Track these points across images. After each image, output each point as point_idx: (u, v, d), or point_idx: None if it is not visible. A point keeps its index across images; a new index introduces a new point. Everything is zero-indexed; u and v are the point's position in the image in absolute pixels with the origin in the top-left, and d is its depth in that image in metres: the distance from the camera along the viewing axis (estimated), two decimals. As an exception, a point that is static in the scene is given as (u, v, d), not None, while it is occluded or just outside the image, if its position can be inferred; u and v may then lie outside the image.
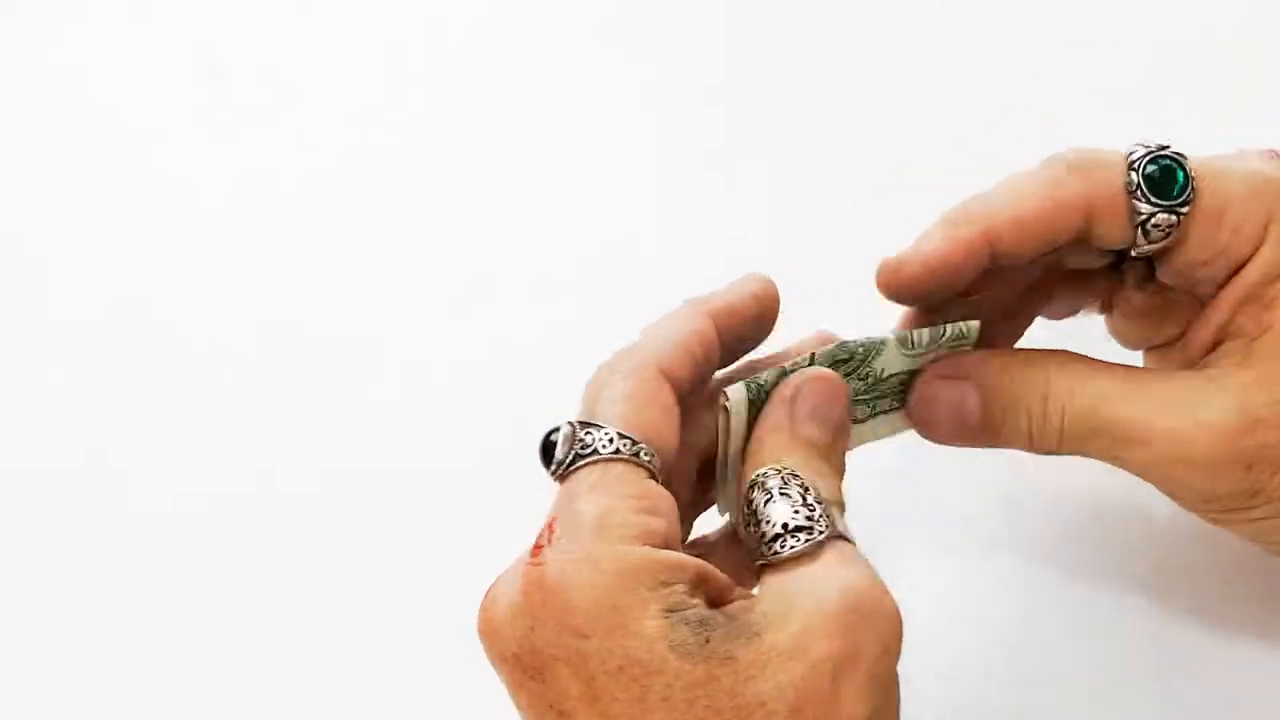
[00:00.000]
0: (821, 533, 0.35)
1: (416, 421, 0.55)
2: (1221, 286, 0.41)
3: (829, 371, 0.40)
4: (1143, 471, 0.40)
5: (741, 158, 0.61)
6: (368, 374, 0.57)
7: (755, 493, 0.37)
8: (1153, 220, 0.39)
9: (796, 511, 0.36)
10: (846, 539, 0.36)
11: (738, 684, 0.33)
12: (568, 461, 0.36)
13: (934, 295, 0.41)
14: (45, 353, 0.59)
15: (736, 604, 0.35)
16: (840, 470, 0.39)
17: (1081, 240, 0.40)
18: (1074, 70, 0.60)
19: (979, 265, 0.40)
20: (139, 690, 0.51)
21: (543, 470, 0.37)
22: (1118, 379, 0.40)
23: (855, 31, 0.63)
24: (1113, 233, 0.40)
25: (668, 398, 0.38)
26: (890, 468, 0.50)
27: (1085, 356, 0.41)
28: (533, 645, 0.35)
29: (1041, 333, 0.45)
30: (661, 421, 0.37)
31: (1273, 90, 0.59)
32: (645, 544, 0.35)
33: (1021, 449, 0.41)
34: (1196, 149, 0.41)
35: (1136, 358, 0.45)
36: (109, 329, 0.59)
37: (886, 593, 0.35)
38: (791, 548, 0.35)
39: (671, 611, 0.34)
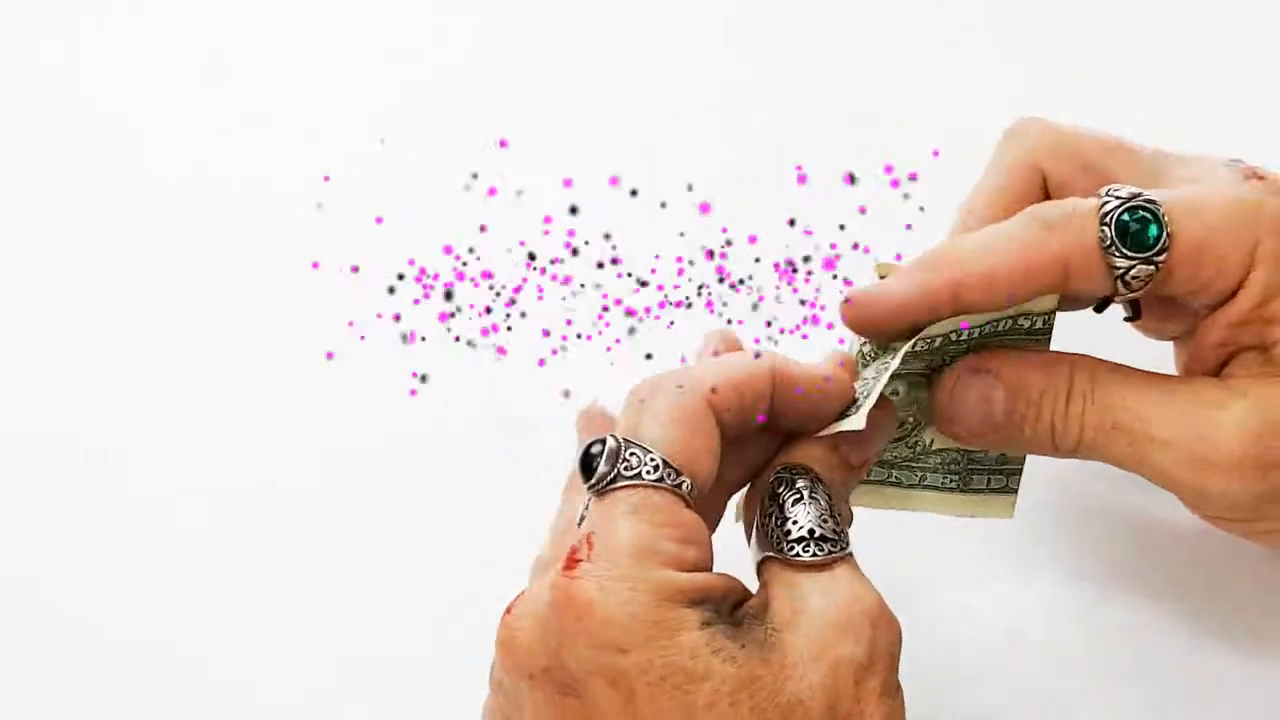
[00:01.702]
0: (844, 547, 0.36)
1: (418, 421, 0.55)
2: (1215, 309, 0.40)
3: (883, 399, 0.39)
4: (1161, 475, 0.40)
5: (742, 159, 0.61)
6: (369, 373, 0.57)
7: (782, 487, 0.37)
8: (1131, 273, 0.39)
9: (825, 520, 0.36)
10: (853, 554, 0.37)
11: (778, 683, 0.34)
12: (610, 478, 0.36)
13: (895, 335, 0.41)
14: (45, 351, 0.59)
15: (750, 605, 0.36)
16: (849, 493, 0.40)
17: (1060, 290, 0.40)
18: (1069, 73, 0.61)
19: (942, 312, 0.40)
20: (139, 690, 0.51)
21: (582, 480, 0.37)
22: (1139, 381, 0.40)
23: (855, 40, 0.63)
24: (1092, 285, 0.40)
25: (712, 429, 0.38)
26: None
27: (1106, 360, 0.41)
28: (563, 661, 0.34)
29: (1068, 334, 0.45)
30: (704, 452, 0.37)
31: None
32: (679, 570, 0.35)
33: (1043, 450, 0.41)
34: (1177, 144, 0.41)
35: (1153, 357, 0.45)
36: (108, 327, 0.59)
37: (889, 609, 0.36)
38: (814, 555, 0.36)
39: (708, 624, 0.35)
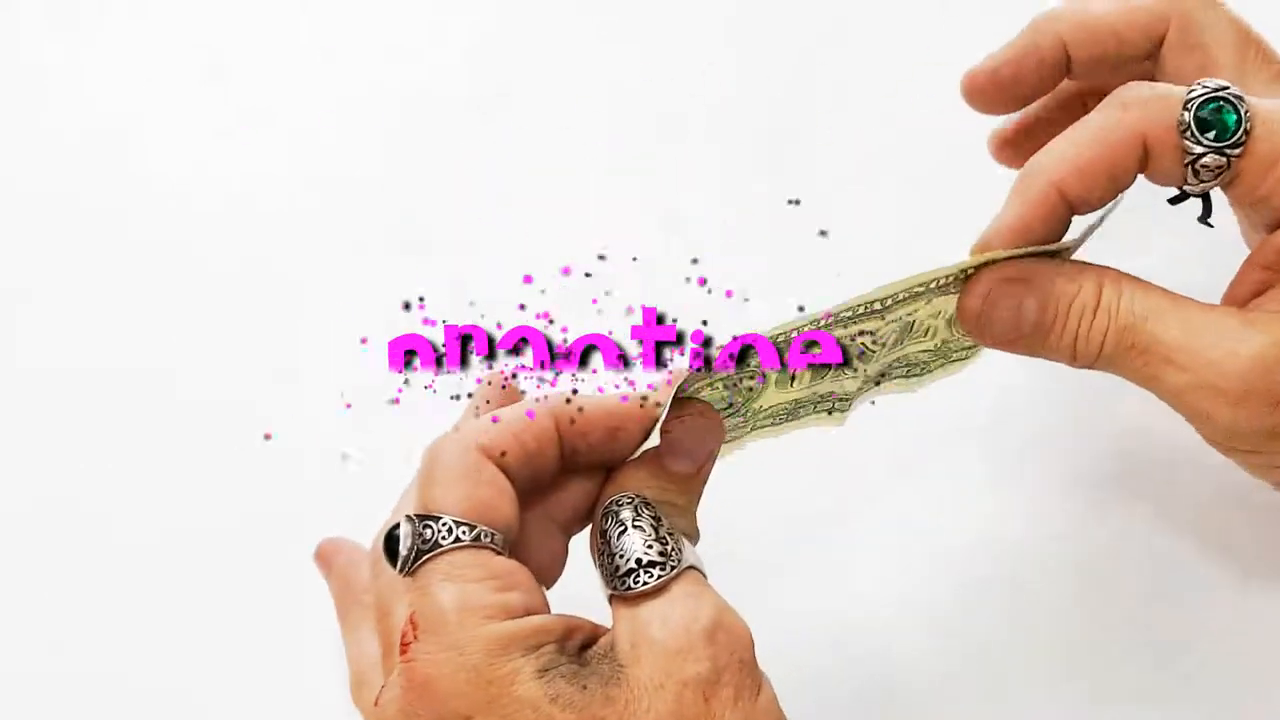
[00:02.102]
0: (674, 567, 0.37)
1: (418, 422, 0.55)
2: (1273, 229, 0.40)
3: (707, 406, 0.40)
4: (1174, 396, 0.40)
5: (741, 160, 0.61)
6: (368, 373, 0.57)
7: (608, 522, 0.38)
8: (1201, 161, 0.39)
9: (650, 546, 0.37)
10: (696, 568, 0.38)
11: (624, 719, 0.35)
12: (412, 559, 0.37)
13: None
14: (44, 352, 0.59)
15: (600, 644, 0.37)
16: (697, 499, 0.40)
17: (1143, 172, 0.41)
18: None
19: (1061, 219, 0.40)
20: (140, 690, 0.51)
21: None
22: (1164, 301, 0.40)
23: (855, 41, 0.63)
24: (1166, 169, 0.40)
25: (495, 476, 0.38)
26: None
27: (1135, 277, 0.41)
28: None
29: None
30: (495, 500, 0.38)
31: None
32: (506, 618, 0.36)
33: (1062, 360, 0.42)
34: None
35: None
36: (108, 327, 0.59)
37: (733, 613, 0.37)
38: (645, 584, 0.36)
39: (545, 670, 0.35)
